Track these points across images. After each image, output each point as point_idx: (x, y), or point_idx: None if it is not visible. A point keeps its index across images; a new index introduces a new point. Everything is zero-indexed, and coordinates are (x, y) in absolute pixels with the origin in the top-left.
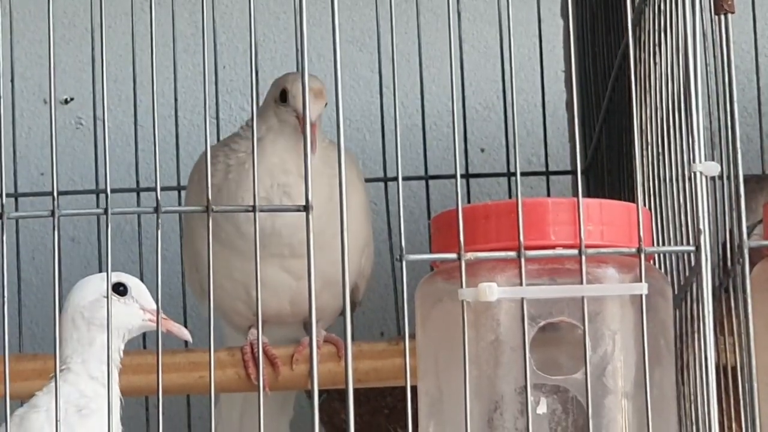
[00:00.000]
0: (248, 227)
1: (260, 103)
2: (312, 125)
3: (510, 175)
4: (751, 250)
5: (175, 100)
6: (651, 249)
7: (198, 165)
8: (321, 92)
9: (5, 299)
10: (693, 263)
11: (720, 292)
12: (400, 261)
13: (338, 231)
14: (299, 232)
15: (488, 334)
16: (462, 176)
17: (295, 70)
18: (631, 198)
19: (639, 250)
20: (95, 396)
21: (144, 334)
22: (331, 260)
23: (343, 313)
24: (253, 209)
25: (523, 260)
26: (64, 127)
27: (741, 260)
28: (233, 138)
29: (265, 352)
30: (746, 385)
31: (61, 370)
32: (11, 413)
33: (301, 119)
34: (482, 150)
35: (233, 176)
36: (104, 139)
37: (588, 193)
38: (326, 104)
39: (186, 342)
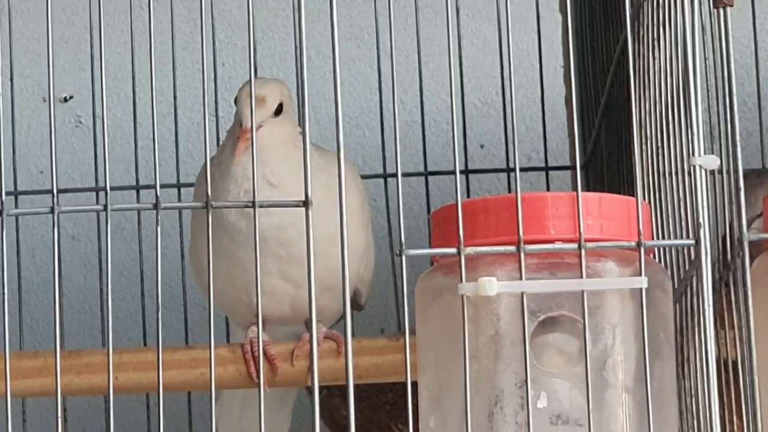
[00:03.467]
0: (242, 238)
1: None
2: (243, 130)
3: (509, 170)
4: (751, 243)
5: (174, 97)
6: (651, 243)
7: (203, 167)
8: (262, 99)
9: (5, 297)
10: (693, 257)
11: (720, 285)
12: (400, 256)
13: (332, 236)
14: (296, 241)
15: (488, 329)
16: (461, 172)
17: (294, 67)
18: (631, 193)
19: (639, 244)
20: None
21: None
22: (327, 267)
23: (343, 309)
24: (253, 204)
25: (522, 254)
26: (63, 125)
27: (741, 254)
28: (221, 146)
29: (264, 352)
30: (747, 378)
31: None
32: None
33: (241, 127)
34: (481, 146)
35: (214, 188)
36: (104, 137)
37: (587, 188)
38: (279, 109)
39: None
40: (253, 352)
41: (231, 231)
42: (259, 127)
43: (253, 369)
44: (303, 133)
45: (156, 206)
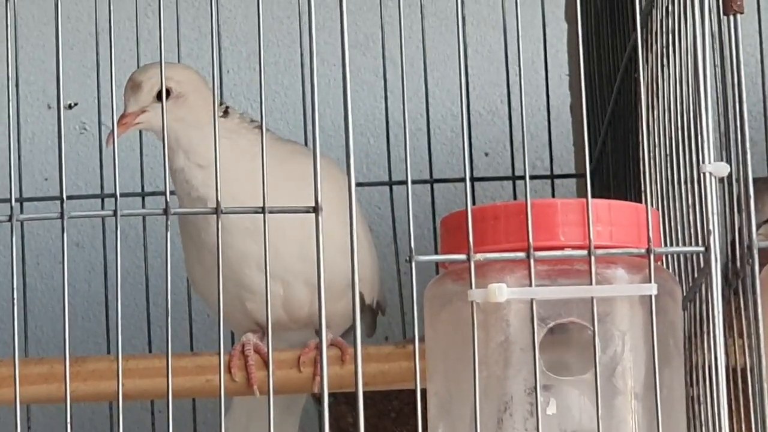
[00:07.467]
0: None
1: (264, 108)
2: (122, 116)
3: (515, 178)
4: (760, 250)
5: None
6: (660, 249)
7: None
8: (138, 85)
9: (15, 301)
10: (702, 264)
11: (729, 292)
12: (410, 262)
13: (324, 242)
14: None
15: (498, 335)
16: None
17: (299, 74)
18: (638, 200)
19: (648, 251)
20: None
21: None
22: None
23: (353, 317)
24: (263, 210)
25: (532, 261)
26: (68, 132)
27: (750, 261)
28: None
29: (247, 356)
30: (756, 386)
31: None
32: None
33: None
34: (486, 154)
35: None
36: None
37: (593, 197)
38: (164, 91)
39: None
40: (245, 357)
41: (201, 244)
42: (142, 112)
43: (234, 371)
44: (314, 139)
45: (166, 211)
